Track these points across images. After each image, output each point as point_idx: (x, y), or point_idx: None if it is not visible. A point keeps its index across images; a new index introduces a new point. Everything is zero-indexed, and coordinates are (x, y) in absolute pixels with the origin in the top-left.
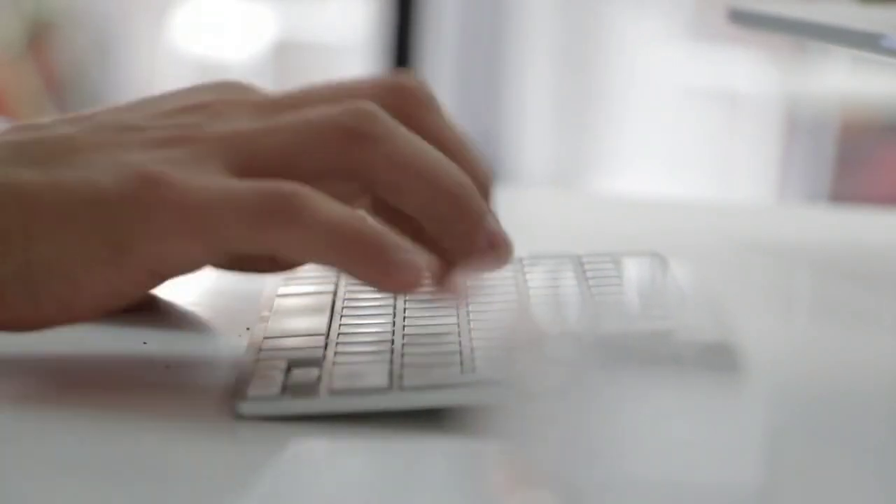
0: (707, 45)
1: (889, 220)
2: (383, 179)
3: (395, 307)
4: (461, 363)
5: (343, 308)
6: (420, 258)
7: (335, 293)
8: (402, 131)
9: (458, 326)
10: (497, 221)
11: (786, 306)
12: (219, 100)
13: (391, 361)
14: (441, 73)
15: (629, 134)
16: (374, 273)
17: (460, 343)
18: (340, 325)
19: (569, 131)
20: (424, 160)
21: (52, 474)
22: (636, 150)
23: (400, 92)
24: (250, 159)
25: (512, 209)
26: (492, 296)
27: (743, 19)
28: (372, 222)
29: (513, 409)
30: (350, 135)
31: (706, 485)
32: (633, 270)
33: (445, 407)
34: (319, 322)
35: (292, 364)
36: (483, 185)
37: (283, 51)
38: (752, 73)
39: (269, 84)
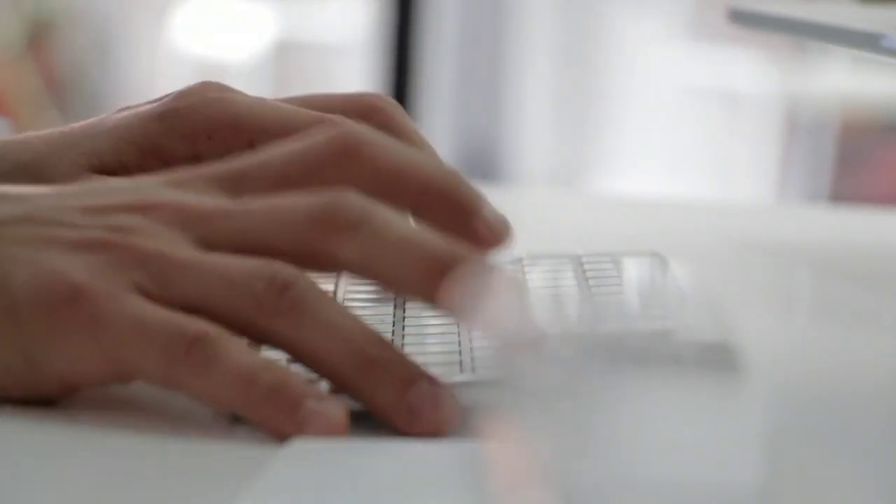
0: (707, 45)
1: (889, 220)
2: (287, 348)
3: (395, 307)
4: (461, 363)
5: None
6: (334, 407)
7: (335, 293)
8: (312, 303)
9: (458, 326)
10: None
11: (786, 306)
12: (155, 202)
13: None
14: (441, 73)
15: (629, 134)
16: (283, 424)
17: (460, 343)
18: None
19: (569, 131)
20: (332, 334)
21: (52, 474)
22: (636, 150)
23: (324, 224)
24: (165, 288)
25: (512, 209)
26: (492, 296)
27: (743, 19)
28: (283, 374)
29: (513, 409)
30: (257, 303)
31: (706, 485)
32: (633, 270)
33: None
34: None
35: (292, 364)
36: (433, 278)
37: (283, 51)
38: (752, 73)
39: (270, 84)
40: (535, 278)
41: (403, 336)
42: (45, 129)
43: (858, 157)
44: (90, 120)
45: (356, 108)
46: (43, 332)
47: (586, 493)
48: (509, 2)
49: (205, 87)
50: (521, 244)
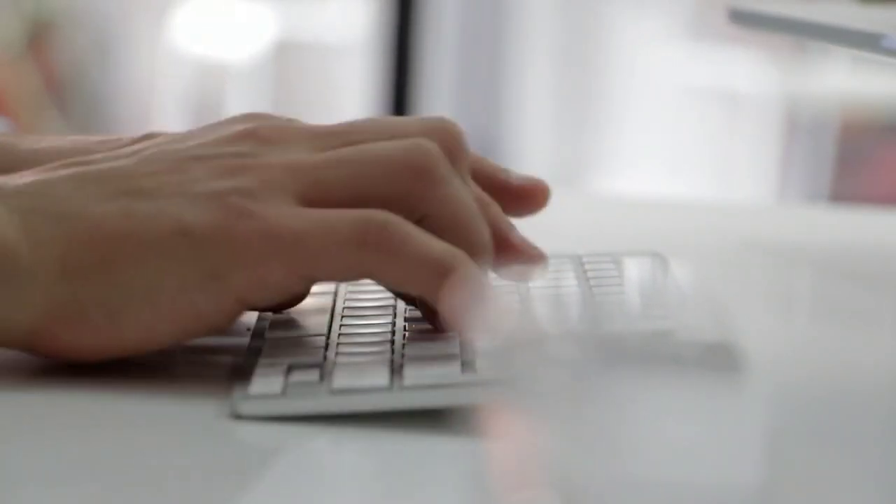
0: (707, 45)
1: (889, 220)
2: (434, 216)
3: (395, 307)
4: (461, 363)
5: (343, 308)
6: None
7: (335, 294)
8: (457, 177)
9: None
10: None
11: (786, 306)
12: (263, 126)
13: (391, 361)
14: (441, 73)
15: (629, 134)
16: (465, 318)
17: (460, 343)
18: (341, 325)
19: (569, 131)
20: (470, 211)
21: (52, 474)
22: (636, 150)
23: (447, 137)
24: (316, 189)
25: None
26: (492, 297)
27: (743, 19)
28: (469, 261)
29: (513, 409)
30: (416, 171)
31: (706, 485)
32: (634, 270)
33: (445, 407)
34: (320, 322)
35: (293, 364)
36: (477, 253)
37: (283, 51)
38: (752, 73)
39: (270, 84)
40: (535, 278)
41: (404, 336)
42: (47, 130)
43: (858, 157)
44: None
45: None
46: (225, 249)
47: (586, 493)
48: (509, 2)
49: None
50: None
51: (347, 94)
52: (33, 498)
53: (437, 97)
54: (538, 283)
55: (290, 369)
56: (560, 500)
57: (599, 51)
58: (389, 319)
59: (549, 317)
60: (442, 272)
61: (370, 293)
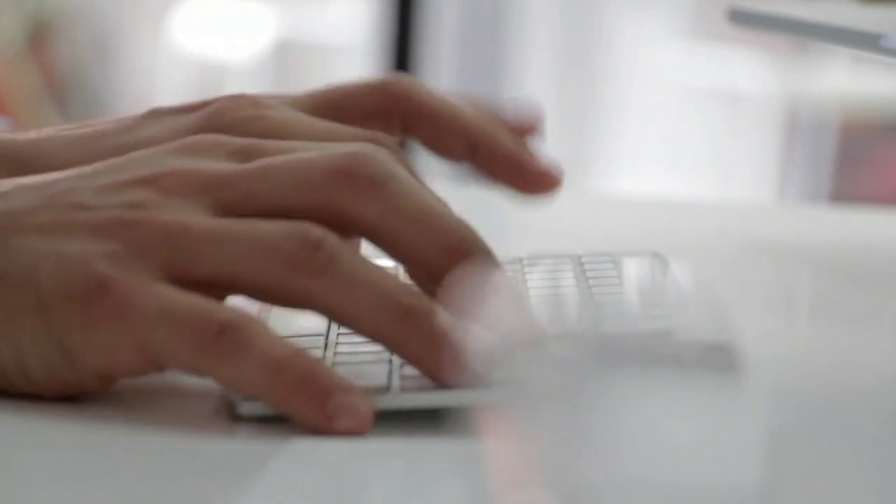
0: (707, 45)
1: (889, 220)
2: (326, 310)
3: None
4: None
5: None
6: (362, 401)
7: None
8: (345, 259)
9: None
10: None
11: (786, 306)
12: (171, 171)
13: (391, 361)
14: (441, 74)
15: (629, 134)
16: (313, 416)
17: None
18: (339, 333)
19: (569, 131)
20: (368, 290)
21: (52, 474)
22: (636, 150)
23: (347, 179)
24: (190, 263)
25: (512, 209)
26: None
27: (743, 19)
28: (316, 361)
29: (513, 409)
30: (290, 264)
31: (706, 485)
32: (633, 270)
33: (445, 407)
34: (319, 322)
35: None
36: (456, 249)
37: (283, 51)
38: (752, 73)
39: (269, 84)
40: (535, 278)
41: None
42: (52, 128)
43: (858, 157)
44: (118, 123)
45: (386, 94)
46: (75, 325)
47: (586, 493)
48: (509, 2)
49: (242, 102)
50: (521, 244)
51: None
52: (33, 498)
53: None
54: (538, 282)
55: None
56: (559, 501)
57: (599, 51)
58: None
59: (548, 317)
60: (284, 382)
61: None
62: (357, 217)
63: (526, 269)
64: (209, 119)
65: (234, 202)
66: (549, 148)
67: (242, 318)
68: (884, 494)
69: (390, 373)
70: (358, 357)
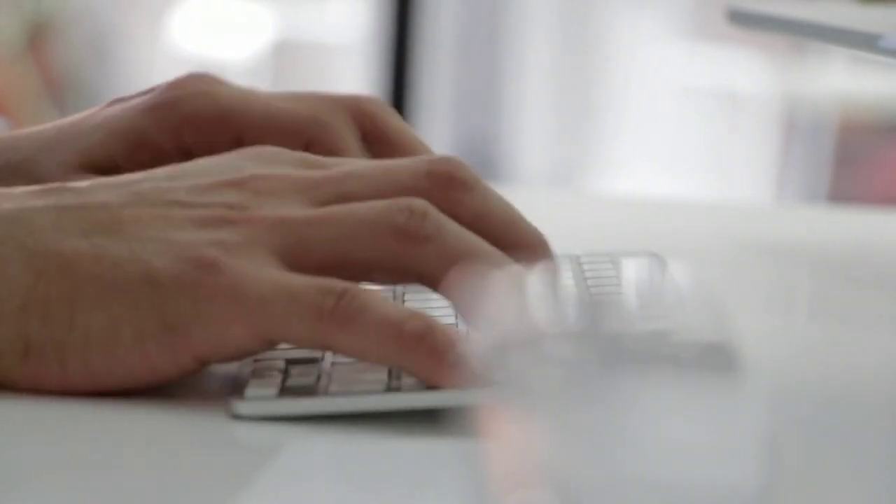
0: (706, 45)
1: (888, 220)
2: (432, 276)
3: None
4: None
5: None
6: (486, 354)
7: None
8: (451, 227)
9: (457, 326)
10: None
11: (785, 306)
12: (258, 175)
13: None
14: (440, 74)
15: (628, 134)
16: (434, 371)
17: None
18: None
19: (568, 131)
20: (473, 256)
21: (51, 474)
22: (635, 149)
23: (442, 179)
24: (300, 249)
25: None
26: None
27: (742, 19)
28: (429, 321)
29: (513, 409)
30: (401, 233)
31: (705, 485)
32: (632, 270)
33: (443, 408)
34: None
35: (291, 364)
36: (537, 254)
37: (283, 51)
38: (751, 74)
39: (268, 84)
40: (535, 278)
41: None
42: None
43: (857, 158)
44: (80, 115)
45: (348, 108)
46: (185, 300)
47: (586, 493)
48: (508, 1)
49: (194, 79)
50: None
51: None
52: (33, 498)
53: (436, 97)
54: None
55: (287, 370)
56: (558, 501)
57: (598, 51)
58: None
59: (547, 317)
60: (405, 339)
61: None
62: (453, 215)
63: (562, 270)
64: (162, 95)
65: (329, 201)
66: (548, 148)
67: (358, 287)
68: (884, 494)
69: (390, 373)
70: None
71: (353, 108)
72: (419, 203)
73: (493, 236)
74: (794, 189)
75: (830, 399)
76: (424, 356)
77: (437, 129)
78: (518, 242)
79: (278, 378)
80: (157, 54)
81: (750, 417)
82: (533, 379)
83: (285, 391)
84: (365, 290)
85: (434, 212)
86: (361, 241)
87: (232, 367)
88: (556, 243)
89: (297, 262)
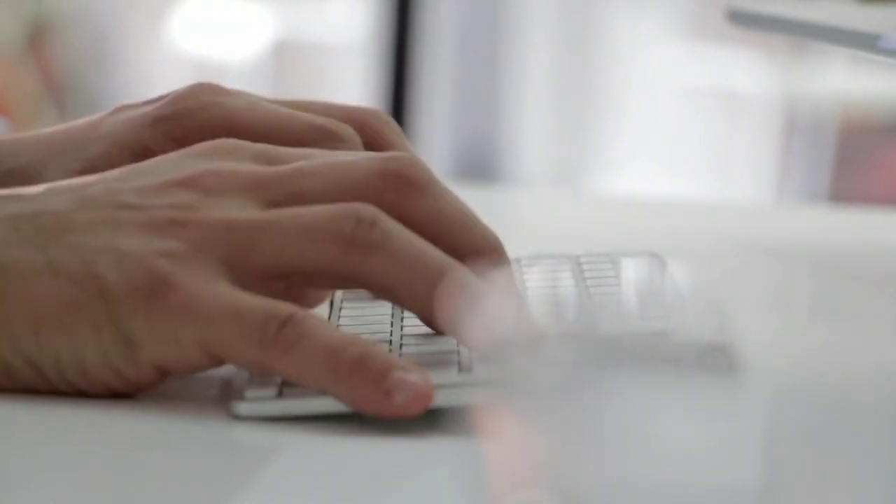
0: (706, 45)
1: (888, 220)
2: (379, 284)
3: (393, 308)
4: (459, 363)
5: (341, 308)
6: (419, 376)
7: (332, 296)
8: (399, 235)
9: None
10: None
11: (785, 306)
12: (210, 171)
13: None
14: (440, 74)
15: (628, 134)
16: (371, 395)
17: (457, 343)
18: (338, 325)
19: (568, 131)
20: (423, 266)
21: (51, 474)
22: (635, 150)
23: (395, 179)
24: (245, 256)
25: (511, 209)
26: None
27: (741, 19)
28: (366, 348)
29: (512, 409)
30: (347, 243)
31: (706, 485)
32: (631, 270)
33: (444, 407)
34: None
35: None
36: (491, 256)
37: (283, 51)
38: (751, 74)
39: (268, 84)
40: (534, 278)
41: (402, 336)
42: (42, 128)
43: (857, 158)
44: (86, 121)
45: (351, 120)
46: (139, 316)
47: (586, 493)
48: (508, 1)
49: (199, 89)
50: (520, 244)
51: (346, 95)
52: (33, 498)
53: (436, 98)
54: (535, 282)
55: None
56: (557, 501)
57: (598, 51)
58: (388, 319)
59: (546, 317)
60: (342, 364)
61: (369, 293)
62: (405, 218)
63: (524, 270)
64: (167, 106)
65: (278, 201)
66: (548, 148)
67: (302, 312)
68: (884, 494)
69: None
70: None
71: (359, 120)
72: (367, 210)
73: (445, 239)
74: (794, 189)
75: (831, 399)
76: (360, 384)
77: (437, 130)
78: (472, 245)
79: (278, 378)
80: (157, 55)
81: (750, 417)
82: (533, 379)
83: (285, 391)
84: (309, 316)
85: (383, 219)
86: (307, 249)
87: (232, 368)
88: (556, 243)
89: (243, 269)
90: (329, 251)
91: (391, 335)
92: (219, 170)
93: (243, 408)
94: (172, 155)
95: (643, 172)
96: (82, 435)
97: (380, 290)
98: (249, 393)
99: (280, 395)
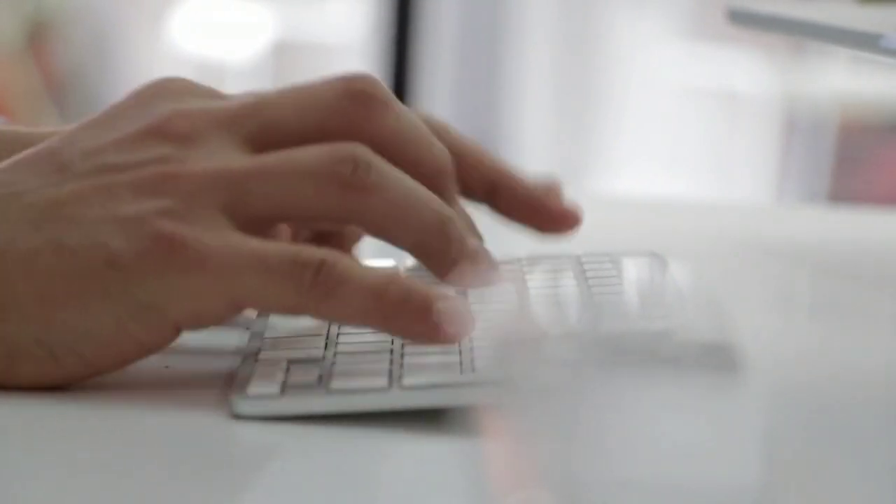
0: (707, 45)
1: (889, 220)
2: (376, 224)
3: None
4: (460, 363)
5: None
6: (462, 305)
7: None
8: (393, 176)
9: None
10: (480, 244)
11: (785, 306)
12: (178, 113)
13: (391, 361)
14: (440, 73)
15: (629, 134)
16: (421, 332)
17: (459, 343)
18: (338, 330)
19: (568, 131)
20: (413, 203)
21: (51, 474)
22: (636, 149)
23: (360, 95)
24: (244, 204)
25: None
26: (491, 296)
27: (742, 19)
28: (408, 279)
29: (513, 409)
30: (345, 185)
31: (706, 485)
32: (632, 270)
33: (445, 407)
34: (319, 322)
35: (292, 363)
36: (444, 174)
37: (283, 51)
38: (751, 74)
39: (268, 84)
40: (535, 278)
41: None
42: (49, 126)
43: (857, 157)
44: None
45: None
46: (154, 278)
47: (586, 493)
48: (509, 1)
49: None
50: (520, 244)
51: None
52: (33, 498)
53: (436, 97)
54: (537, 282)
55: (288, 369)
56: (558, 501)
57: (599, 50)
58: None
59: (547, 317)
60: (388, 304)
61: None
62: (374, 133)
63: (525, 270)
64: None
65: (255, 134)
66: (549, 147)
67: (332, 255)
68: (884, 494)
69: (390, 373)
70: (357, 357)
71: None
72: (362, 152)
73: (407, 157)
74: (794, 189)
75: (831, 399)
76: (410, 321)
77: None
78: (428, 163)
79: (280, 377)
80: (157, 54)
81: (750, 417)
82: (533, 379)
83: (286, 390)
84: (340, 258)
85: (376, 161)
86: (306, 194)
87: (233, 366)
88: (557, 243)
89: (243, 216)
90: (327, 194)
91: (392, 337)
92: (187, 111)
93: (244, 407)
94: (128, 101)
95: (643, 172)
96: (82, 435)
97: (376, 231)
98: (251, 392)
99: (281, 393)
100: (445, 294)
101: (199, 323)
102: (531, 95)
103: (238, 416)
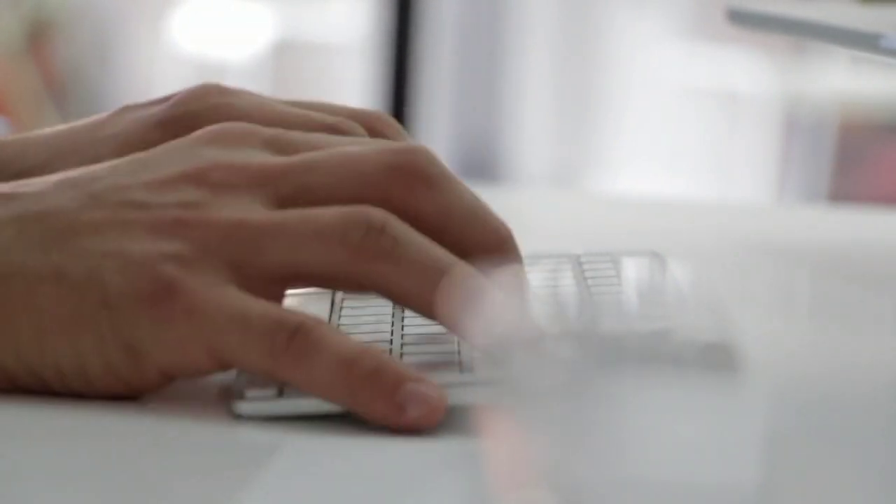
0: (707, 45)
1: (888, 220)
2: (388, 291)
3: (394, 308)
4: (459, 363)
5: (342, 308)
6: (433, 389)
7: (333, 293)
8: (409, 240)
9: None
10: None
11: (785, 306)
12: (219, 164)
13: None
14: (440, 74)
15: (629, 133)
16: (384, 408)
17: (458, 343)
18: (339, 325)
19: (568, 131)
20: (432, 271)
21: (52, 474)
22: (636, 149)
23: (405, 173)
24: (253, 259)
25: (511, 209)
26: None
27: (742, 19)
28: (379, 358)
29: (513, 409)
30: (355, 250)
31: (706, 485)
32: (632, 270)
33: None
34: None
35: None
36: (501, 249)
37: (283, 51)
38: (751, 73)
39: (269, 84)
40: (535, 278)
41: (402, 336)
42: (45, 128)
43: (857, 157)
44: (91, 121)
45: (361, 121)
46: (144, 324)
47: (586, 493)
48: (508, 1)
49: (206, 91)
50: (520, 244)
51: (346, 95)
52: (33, 498)
53: (437, 98)
54: (535, 282)
55: None
56: (558, 501)
57: (598, 50)
58: (388, 319)
59: (547, 317)
60: (356, 377)
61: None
62: (414, 212)
63: (525, 269)
64: (175, 108)
65: (288, 195)
66: (548, 147)
67: (312, 320)
68: (884, 495)
69: None
70: None
71: (363, 122)
72: (377, 215)
73: (455, 234)
74: (794, 189)
75: (831, 399)
76: (374, 397)
77: (437, 130)
78: (481, 239)
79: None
80: (157, 54)
81: (750, 417)
82: (533, 379)
83: (286, 391)
84: (319, 324)
85: (392, 224)
86: (314, 254)
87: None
88: (557, 243)
89: (250, 271)
90: (337, 257)
91: (391, 335)
92: (228, 163)
93: (244, 407)
94: (182, 142)
95: (643, 172)
96: (82, 435)
97: (389, 296)
98: (250, 392)
99: (280, 394)
100: (419, 377)
101: (182, 372)
102: (531, 95)
103: (238, 417)
